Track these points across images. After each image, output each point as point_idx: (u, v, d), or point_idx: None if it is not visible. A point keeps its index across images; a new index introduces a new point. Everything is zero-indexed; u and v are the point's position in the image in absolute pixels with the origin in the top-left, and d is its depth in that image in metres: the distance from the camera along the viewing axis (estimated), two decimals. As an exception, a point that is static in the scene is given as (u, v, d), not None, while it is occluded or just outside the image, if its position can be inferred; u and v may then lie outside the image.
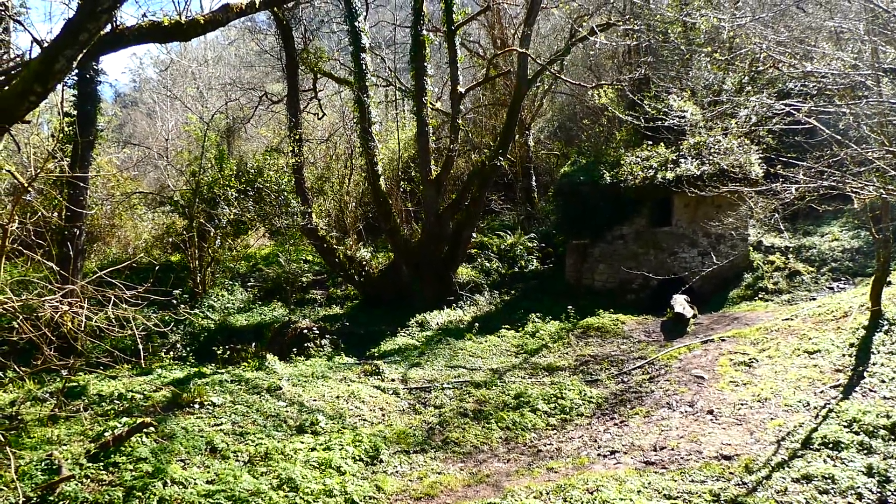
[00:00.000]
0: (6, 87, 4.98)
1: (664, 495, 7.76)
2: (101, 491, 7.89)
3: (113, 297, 6.77)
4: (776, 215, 20.26)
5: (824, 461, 8.34)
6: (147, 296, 7.42)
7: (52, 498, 7.66)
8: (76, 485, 7.96)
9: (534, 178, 30.86)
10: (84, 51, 5.04)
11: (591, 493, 7.90)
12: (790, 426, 9.45)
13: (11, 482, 7.60)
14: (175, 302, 15.32)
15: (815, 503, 7.54)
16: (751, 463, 8.49)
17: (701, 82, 22.72)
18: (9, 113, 4.85)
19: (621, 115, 25.42)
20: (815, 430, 9.13)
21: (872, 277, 12.41)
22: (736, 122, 19.69)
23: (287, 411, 11.11)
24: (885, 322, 11.74)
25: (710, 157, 19.82)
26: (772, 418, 9.88)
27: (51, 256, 14.24)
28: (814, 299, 16.53)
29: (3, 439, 7.43)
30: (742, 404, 10.60)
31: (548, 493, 8.09)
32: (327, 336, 17.20)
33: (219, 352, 15.39)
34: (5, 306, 7.05)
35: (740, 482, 8.05)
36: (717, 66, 23.60)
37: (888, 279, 12.94)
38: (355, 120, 23.19)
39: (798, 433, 9.17)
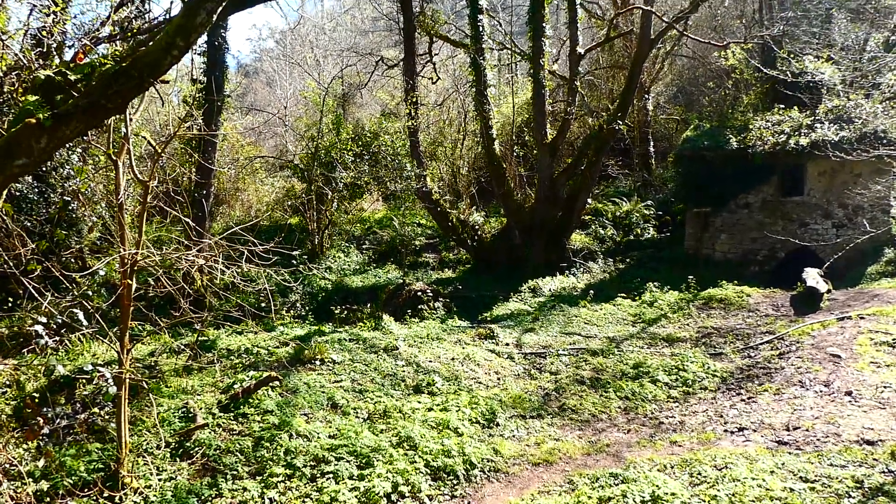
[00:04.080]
0: (150, 43, 5.11)
1: (800, 478, 7.29)
2: (232, 440, 8.25)
3: (246, 252, 6.96)
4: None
5: (983, 453, 7.60)
6: (274, 253, 7.62)
7: (188, 444, 8.07)
8: (210, 433, 8.36)
9: (651, 143, 29.77)
10: (222, 4, 5.08)
11: (720, 470, 7.53)
12: (942, 413, 8.68)
13: (153, 427, 8.06)
14: (296, 262, 15.80)
15: (974, 497, 6.88)
16: (898, 449, 7.84)
17: (840, 42, 21.04)
18: (154, 67, 4.98)
19: (749, 77, 24.04)
20: (972, 417, 8.34)
21: None
22: (886, 84, 18.11)
23: (404, 371, 11.24)
24: None
25: (851, 123, 18.38)
26: (920, 403, 9.11)
27: (185, 216, 14.98)
28: (967, 277, 15.12)
29: (146, 387, 7.85)
30: (885, 387, 9.82)
31: (672, 467, 7.78)
32: (440, 299, 17.30)
33: (336, 311, 15.77)
34: (147, 260, 7.40)
35: (886, 470, 7.44)
36: (858, 25, 21.77)
37: None
38: (469, 84, 22.97)
39: (952, 420, 8.41)
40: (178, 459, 7.85)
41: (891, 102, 18.87)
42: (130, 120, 7.57)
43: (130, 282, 7.20)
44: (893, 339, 11.45)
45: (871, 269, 17.22)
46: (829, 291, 15.27)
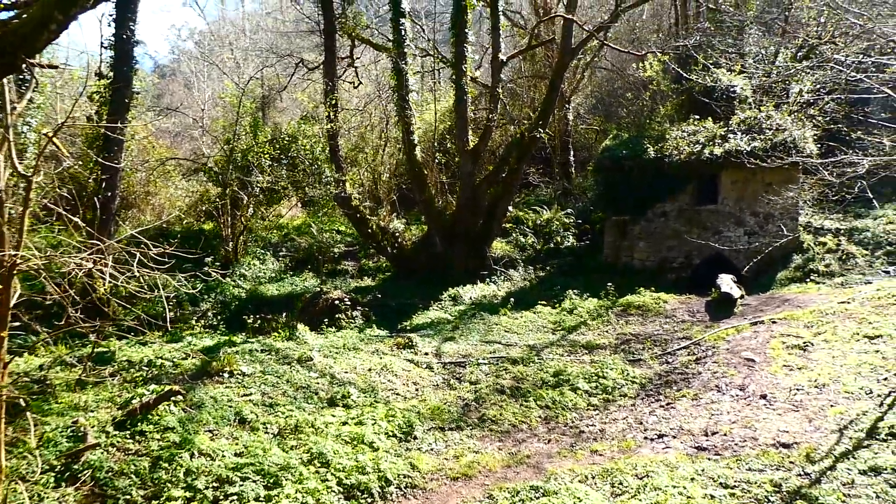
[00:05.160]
0: (24, 16, 4.54)
1: (720, 484, 7.22)
2: (127, 460, 7.58)
3: (139, 255, 6.36)
4: (829, 194, 19.36)
5: (893, 453, 7.72)
6: (177, 255, 7.06)
7: (76, 466, 7.36)
8: (102, 453, 7.66)
9: (571, 152, 30.08)
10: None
11: (641, 479, 7.39)
12: (852, 414, 8.83)
13: (35, 449, 7.31)
14: (208, 269, 15.00)
15: (885, 497, 6.94)
16: (812, 452, 7.90)
17: (752, 56, 21.76)
18: (28, 43, 4.43)
19: (666, 88, 24.60)
20: (881, 419, 8.50)
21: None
22: (795, 95, 18.74)
23: (318, 383, 10.74)
24: (954, 308, 11.00)
25: (762, 133, 18.96)
26: (831, 405, 9.25)
27: (85, 220, 14.01)
28: (869, 283, 15.70)
29: (24, 404, 7.11)
30: (798, 389, 9.97)
31: (594, 478, 7.59)
32: (359, 308, 16.82)
33: (249, 321, 15.07)
34: (29, 263, 6.70)
35: (802, 472, 7.47)
36: (770, 41, 22.60)
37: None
38: (391, 89, 22.62)
39: (862, 422, 8.55)
40: (63, 484, 7.13)
41: (798, 114, 19.64)
42: (14, 108, 6.88)
43: (8, 286, 6.48)
44: (804, 343, 11.70)
45: (781, 275, 17.74)
46: (742, 297, 15.61)
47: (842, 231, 18.99)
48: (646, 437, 9.18)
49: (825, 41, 20.56)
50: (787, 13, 22.29)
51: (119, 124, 15.89)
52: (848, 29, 12.02)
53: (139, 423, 8.43)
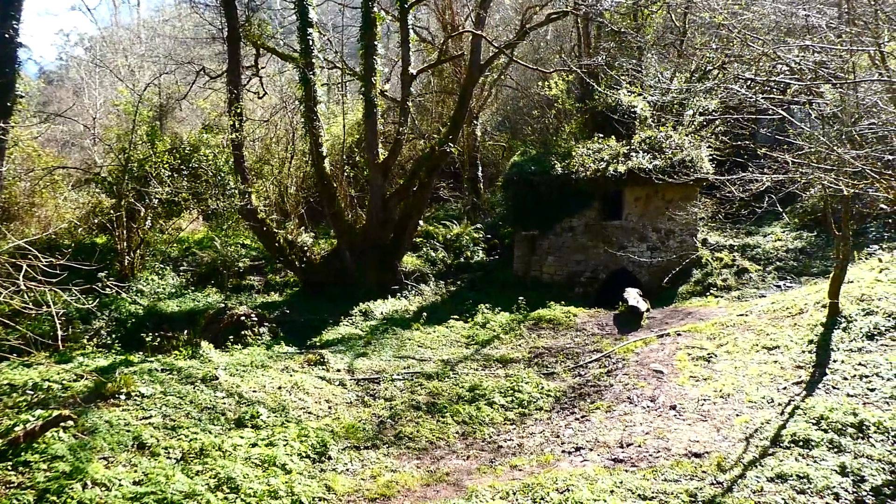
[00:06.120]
0: None
1: (639, 495, 7.27)
2: (9, 495, 6.90)
3: (25, 267, 5.81)
4: (724, 211, 20.31)
5: (796, 460, 8.02)
6: (69, 267, 6.51)
7: (-52, 503, 6.65)
8: (-21, 486, 6.95)
9: (480, 168, 30.38)
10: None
11: (562, 494, 7.34)
12: (757, 423, 9.14)
13: None
14: (100, 285, 14.10)
15: (793, 503, 7.17)
16: (722, 461, 8.10)
17: (651, 78, 22.66)
18: None
19: (570, 107, 25.25)
20: (783, 427, 8.83)
21: (831, 275, 12.28)
22: (689, 116, 19.59)
23: (224, 403, 10.21)
24: (843, 319, 11.61)
25: (662, 152, 19.70)
26: (737, 414, 9.56)
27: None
28: (763, 296, 16.49)
29: None
30: (705, 400, 10.27)
31: (515, 494, 7.49)
32: (266, 324, 16.27)
33: (148, 339, 14.23)
34: None
35: (715, 481, 7.64)
36: (669, 63, 23.61)
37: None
38: (298, 100, 22.13)
39: (766, 430, 8.85)
40: (-66, 525, 6.42)
41: (695, 135, 20.53)
42: None
43: None
44: (708, 354, 12.09)
45: (683, 289, 18.39)
46: (648, 310, 16.05)
47: (735, 247, 19.93)
48: (563, 451, 9.19)
49: (717, 65, 21.67)
50: (682, 38, 23.37)
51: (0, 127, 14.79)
52: (741, 52, 12.61)
53: (23, 453, 7.73)
